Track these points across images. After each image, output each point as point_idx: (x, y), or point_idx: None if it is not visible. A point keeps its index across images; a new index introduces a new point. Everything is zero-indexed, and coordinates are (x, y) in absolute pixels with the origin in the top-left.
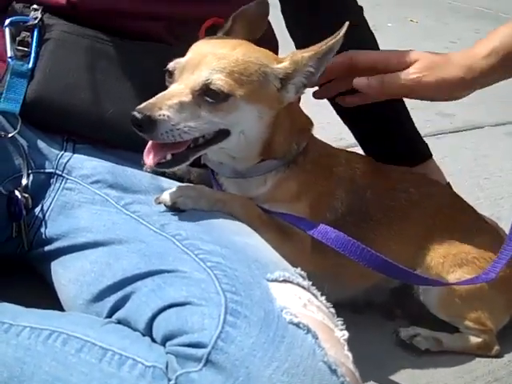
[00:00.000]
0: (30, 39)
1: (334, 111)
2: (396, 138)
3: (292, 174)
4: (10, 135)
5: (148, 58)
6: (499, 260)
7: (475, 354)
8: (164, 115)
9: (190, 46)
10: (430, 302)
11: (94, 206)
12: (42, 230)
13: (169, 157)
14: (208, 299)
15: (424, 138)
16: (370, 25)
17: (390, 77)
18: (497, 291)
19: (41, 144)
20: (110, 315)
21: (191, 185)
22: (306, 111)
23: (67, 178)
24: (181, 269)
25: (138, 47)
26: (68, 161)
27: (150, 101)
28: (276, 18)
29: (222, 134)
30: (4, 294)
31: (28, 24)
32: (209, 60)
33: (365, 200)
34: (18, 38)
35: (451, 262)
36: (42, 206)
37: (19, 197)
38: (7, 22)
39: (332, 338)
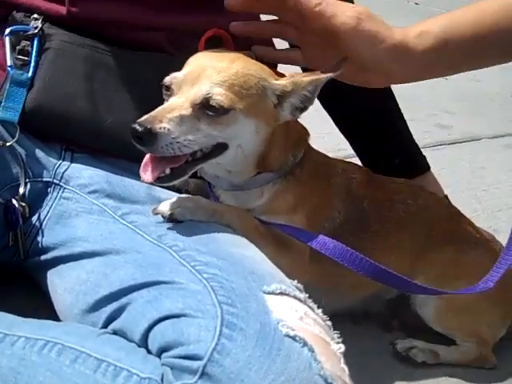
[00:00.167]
0: (29, 48)
1: (333, 122)
2: (394, 150)
3: (289, 186)
4: (8, 144)
5: (148, 68)
6: (497, 269)
7: (472, 367)
8: (165, 128)
9: (191, 56)
10: (427, 315)
11: (91, 215)
12: (39, 238)
13: (167, 171)
14: (204, 311)
15: (422, 150)
16: None
17: (333, 5)
18: (493, 303)
19: (39, 153)
20: (105, 325)
21: (189, 196)
22: (305, 122)
23: (65, 188)
24: (177, 280)
25: (137, 57)
26: (66, 170)
27: (151, 114)
28: None
29: (220, 148)
30: (2, 303)
31: (28, 33)
32: (208, 73)
33: (362, 210)
34: (17, 47)
35: (448, 274)
36: (39, 215)
37: (16, 205)
38: (7, 31)
39: (328, 351)
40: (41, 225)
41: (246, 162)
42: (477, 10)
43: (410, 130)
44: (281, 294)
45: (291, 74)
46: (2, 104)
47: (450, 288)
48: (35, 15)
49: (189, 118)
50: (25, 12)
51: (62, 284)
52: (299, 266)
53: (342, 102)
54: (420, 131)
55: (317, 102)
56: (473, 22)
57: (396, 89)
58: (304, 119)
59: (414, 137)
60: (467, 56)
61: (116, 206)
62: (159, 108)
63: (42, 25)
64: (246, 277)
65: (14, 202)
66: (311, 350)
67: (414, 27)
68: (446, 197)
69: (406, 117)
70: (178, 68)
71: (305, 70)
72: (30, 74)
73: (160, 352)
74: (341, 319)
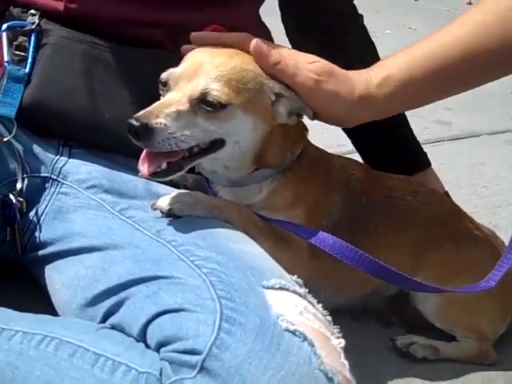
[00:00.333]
0: (27, 44)
1: None
2: (394, 146)
3: (287, 182)
4: (5, 139)
5: (147, 65)
6: (499, 268)
7: (472, 363)
8: (161, 123)
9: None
10: (427, 311)
11: (89, 210)
12: (37, 234)
13: (164, 166)
14: (203, 306)
15: (421, 146)
16: (369, 31)
17: (294, 62)
18: (494, 300)
19: (36, 148)
20: (103, 320)
21: (187, 191)
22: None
23: (62, 183)
24: (176, 275)
25: (136, 53)
26: (63, 165)
27: (148, 109)
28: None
29: (217, 144)
30: (0, 298)
31: (25, 29)
32: (206, 68)
33: (360, 207)
34: (15, 43)
35: (449, 271)
36: (37, 210)
37: (14, 201)
38: (4, 26)
39: (328, 345)
40: (38, 220)
41: (244, 158)
42: (437, 42)
43: (410, 126)
44: (280, 288)
45: None
46: (0, 99)
47: (451, 285)
48: (32, 11)
49: (186, 113)
50: (22, 7)
51: (60, 279)
52: (298, 262)
53: None
54: (420, 127)
55: None
56: (434, 55)
57: None
58: None
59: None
60: (434, 89)
61: (114, 201)
62: (156, 103)
63: (40, 20)
64: (245, 271)
65: (12, 197)
66: (311, 345)
67: (377, 71)
68: (446, 193)
69: (405, 113)
70: (177, 64)
71: None
72: (27, 69)
73: (158, 347)
74: (340, 315)
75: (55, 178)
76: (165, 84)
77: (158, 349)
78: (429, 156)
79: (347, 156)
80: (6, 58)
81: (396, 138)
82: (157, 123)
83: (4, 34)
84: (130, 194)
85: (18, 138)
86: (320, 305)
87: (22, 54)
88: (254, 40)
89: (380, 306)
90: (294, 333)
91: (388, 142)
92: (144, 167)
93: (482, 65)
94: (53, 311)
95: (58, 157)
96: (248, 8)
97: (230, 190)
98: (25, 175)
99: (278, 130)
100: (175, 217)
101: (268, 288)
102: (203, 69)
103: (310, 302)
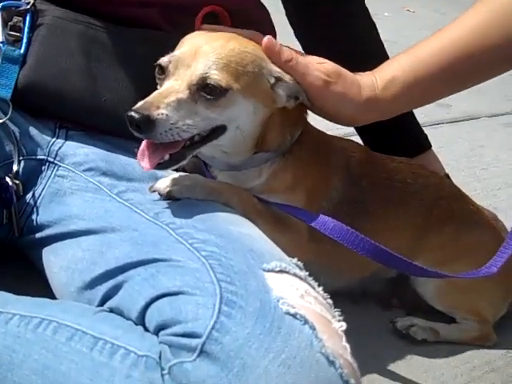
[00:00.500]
0: (22, 24)
1: None
2: (395, 128)
3: (287, 165)
4: (0, 121)
5: (143, 45)
6: (501, 254)
7: (472, 345)
8: (163, 114)
9: (187, 33)
10: (427, 293)
11: (86, 193)
12: (34, 216)
13: (166, 157)
14: (202, 289)
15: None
16: None
17: (305, 61)
18: (494, 282)
19: (32, 130)
20: (101, 303)
21: (186, 174)
22: None
23: (59, 165)
24: (174, 258)
25: (132, 34)
26: (60, 148)
27: (147, 99)
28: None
29: (218, 130)
30: None
31: (20, 9)
32: (204, 52)
33: (360, 189)
34: (9, 23)
35: (449, 254)
36: (34, 193)
37: (10, 183)
38: None
39: (329, 329)
40: (35, 203)
41: (245, 143)
42: (440, 41)
43: None
44: (280, 271)
45: None
46: None
47: (451, 268)
48: None
49: (186, 101)
50: None
51: (57, 262)
52: (297, 245)
53: None
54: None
55: None
56: (438, 55)
57: None
58: None
59: None
60: (440, 87)
61: (112, 183)
62: (155, 93)
63: (35, 0)
64: (245, 254)
65: (8, 179)
66: (312, 328)
67: (382, 74)
68: (447, 175)
69: None
70: (174, 45)
71: None
72: (22, 50)
73: (157, 330)
74: (340, 298)
75: (52, 160)
76: (162, 71)
77: (156, 332)
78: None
79: (347, 138)
80: (0, 39)
81: (396, 119)
82: (158, 114)
83: None
84: (128, 177)
85: (13, 120)
86: (320, 288)
87: (17, 34)
88: (265, 37)
89: (380, 288)
90: (294, 316)
91: (388, 123)
92: (145, 161)
93: (487, 61)
94: (51, 294)
95: (54, 139)
96: None
97: (228, 174)
98: (21, 157)
99: (277, 113)
100: (173, 199)
101: (268, 271)
102: (201, 52)
103: (311, 285)
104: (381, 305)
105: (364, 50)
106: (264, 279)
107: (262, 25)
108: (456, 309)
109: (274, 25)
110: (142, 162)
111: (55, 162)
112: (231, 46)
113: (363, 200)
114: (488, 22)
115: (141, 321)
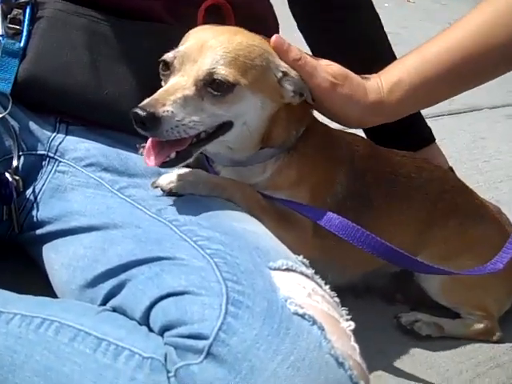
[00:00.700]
0: (21, 17)
1: None
2: (399, 122)
3: (292, 160)
4: (0, 116)
5: (147, 38)
6: (507, 250)
7: (477, 340)
8: (168, 111)
9: (191, 26)
10: (432, 288)
11: (87, 189)
12: (34, 212)
13: (173, 155)
14: (208, 288)
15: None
16: None
17: (314, 62)
18: (499, 277)
19: (32, 125)
20: (104, 302)
21: (189, 169)
22: None
23: (60, 161)
24: (179, 256)
25: (135, 27)
26: (61, 143)
27: (153, 97)
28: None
29: (225, 127)
30: None
31: (20, 1)
32: (211, 46)
33: (364, 184)
34: (9, 16)
35: (453, 248)
36: (34, 189)
37: (10, 179)
38: None
39: (338, 329)
40: (35, 198)
41: (251, 139)
42: (446, 41)
43: None
44: (287, 270)
45: None
46: None
47: (456, 263)
48: None
49: (192, 98)
50: None
51: (58, 259)
52: (302, 242)
53: None
54: None
55: None
56: (444, 56)
57: None
58: None
59: None
60: (446, 88)
61: (113, 179)
62: (160, 90)
63: None
64: (251, 252)
65: (8, 175)
66: (321, 329)
67: (387, 76)
68: (450, 169)
69: None
70: (178, 38)
71: None
72: (22, 43)
73: (162, 331)
74: (343, 293)
75: (52, 155)
76: (167, 67)
77: (161, 333)
78: None
79: (350, 132)
80: (0, 32)
81: None
82: (164, 111)
83: None
84: (130, 172)
85: (13, 115)
86: (327, 286)
87: (17, 27)
88: (274, 35)
89: (384, 283)
90: (303, 316)
91: None
92: (151, 159)
93: (493, 60)
94: (51, 292)
95: (54, 134)
96: None
97: (231, 170)
98: (21, 153)
99: (283, 108)
100: (176, 195)
101: (274, 269)
102: (208, 47)
103: (318, 284)
104: (385, 300)
105: (367, 40)
106: (271, 278)
107: (264, 17)
108: (461, 304)
109: (277, 17)
110: (148, 160)
111: (55, 157)
112: (238, 39)
113: (367, 195)
114: (493, 21)
115: (145, 321)
